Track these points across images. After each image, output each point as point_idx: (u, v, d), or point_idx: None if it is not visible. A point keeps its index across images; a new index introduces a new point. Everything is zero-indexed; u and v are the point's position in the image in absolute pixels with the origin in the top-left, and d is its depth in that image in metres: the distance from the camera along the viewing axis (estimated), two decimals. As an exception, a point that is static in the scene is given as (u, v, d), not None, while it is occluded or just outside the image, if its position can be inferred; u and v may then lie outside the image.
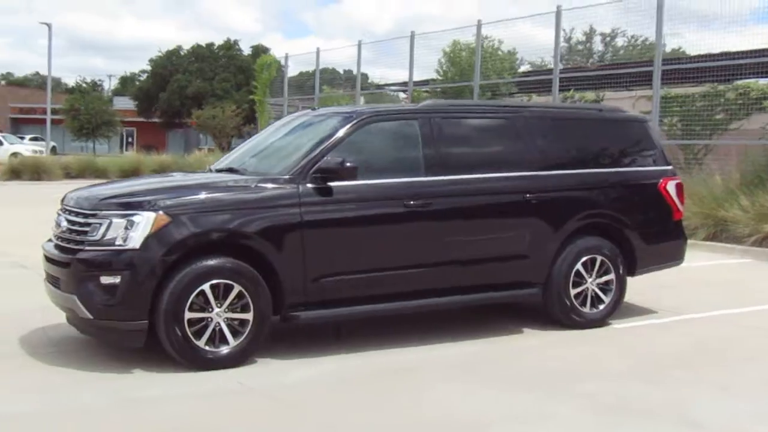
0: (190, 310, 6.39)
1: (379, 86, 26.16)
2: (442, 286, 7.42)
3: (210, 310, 6.46)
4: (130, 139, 68.82)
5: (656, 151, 8.72)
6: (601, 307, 8.11)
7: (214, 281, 6.46)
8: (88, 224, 6.51)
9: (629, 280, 8.60)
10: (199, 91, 58.71)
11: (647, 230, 8.40)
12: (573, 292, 7.93)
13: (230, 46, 65.10)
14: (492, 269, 7.63)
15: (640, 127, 8.75)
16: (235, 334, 6.56)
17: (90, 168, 32.19)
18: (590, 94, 18.65)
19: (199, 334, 6.43)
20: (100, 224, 6.42)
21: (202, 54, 63.63)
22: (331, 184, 6.92)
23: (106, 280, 6.32)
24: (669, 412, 5.61)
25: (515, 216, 7.72)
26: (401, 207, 7.18)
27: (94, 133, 48.46)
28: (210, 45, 65.47)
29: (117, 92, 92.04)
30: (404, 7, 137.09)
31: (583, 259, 7.97)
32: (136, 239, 6.32)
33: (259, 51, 56.04)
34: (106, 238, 6.38)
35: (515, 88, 20.82)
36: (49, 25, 43.14)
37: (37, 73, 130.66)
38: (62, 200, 7.16)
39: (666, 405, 5.78)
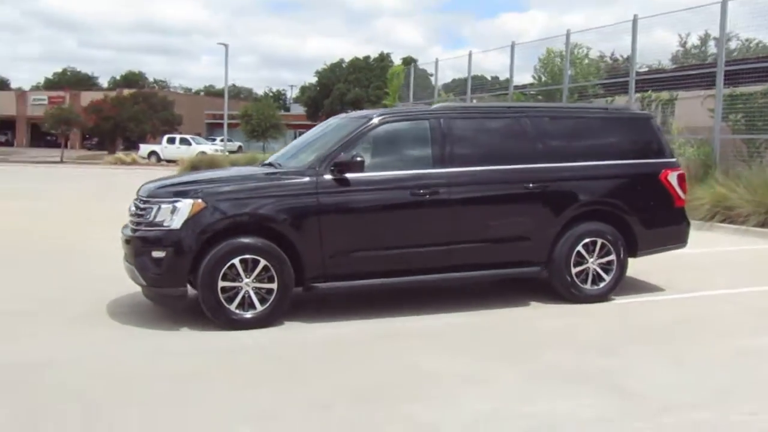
0: (223, 279, 6.70)
1: (489, 90, 25.85)
2: (449, 264, 7.41)
3: (240, 280, 6.74)
4: (301, 139, 70.69)
5: (659, 145, 8.34)
6: (602, 284, 7.87)
7: (243, 256, 6.74)
8: (145, 209, 6.93)
9: (658, 259, 8.65)
10: (356, 98, 59.87)
11: (647, 216, 8.08)
12: (574, 270, 7.75)
13: (383, 58, 65.97)
14: (495, 249, 7.55)
15: (644, 124, 8.40)
16: (263, 301, 6.81)
17: (254, 162, 33.36)
18: (665, 94, 17.82)
19: (231, 300, 6.73)
20: (152, 209, 6.84)
21: (359, 66, 64.89)
22: (347, 175, 7.05)
23: (155, 254, 6.73)
24: (604, 381, 5.40)
25: (516, 203, 7.62)
26: (409, 195, 7.23)
27: (264, 135, 50.41)
28: (366, 58, 66.56)
29: (296, 100, 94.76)
30: (552, 18, 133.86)
31: (585, 241, 7.77)
32: (177, 221, 6.69)
33: (407, 62, 56.27)
34: (156, 220, 6.78)
35: (601, 89, 20.17)
36: (226, 45, 45.03)
37: (234, 85, 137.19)
38: (138, 190, 7.61)
39: (607, 373, 5.58)
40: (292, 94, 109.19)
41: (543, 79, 21.19)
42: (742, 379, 5.43)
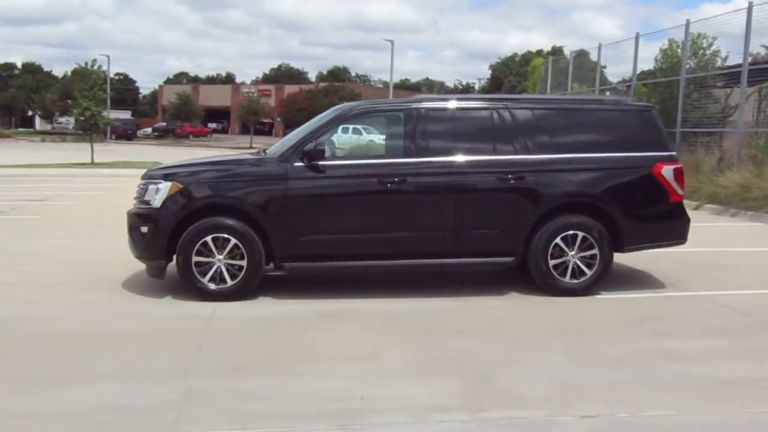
0: (198, 255, 6.98)
1: (618, 83, 24.35)
2: (417, 250, 7.23)
3: (213, 256, 6.99)
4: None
5: (657, 138, 7.60)
6: (583, 278, 7.34)
7: (216, 235, 6.98)
8: (141, 188, 7.36)
9: (700, 257, 8.60)
10: (524, 90, 58.74)
11: (636, 211, 7.43)
12: (552, 262, 7.30)
13: (556, 52, 64.02)
14: (466, 238, 7.24)
15: (641, 116, 7.68)
16: (233, 276, 7.03)
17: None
18: (782, 85, 16.00)
19: (204, 274, 7.00)
20: (142, 189, 7.25)
21: (530, 59, 63.34)
22: (317, 163, 7.07)
23: (143, 229, 7.13)
24: (479, 370, 5.14)
25: (488, 193, 7.26)
26: (376, 183, 7.13)
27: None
28: (539, 51, 64.98)
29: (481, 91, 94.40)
30: (760, 6, 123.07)
31: (564, 234, 7.29)
32: (158, 201, 7.06)
33: (580, 56, 54.14)
34: (145, 198, 7.19)
35: (721, 80, 18.41)
36: (392, 42, 45.72)
37: (427, 79, 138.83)
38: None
39: (492, 363, 5.29)
40: (479, 86, 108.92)
41: (663, 69, 19.69)
42: (618, 382, 4.93)
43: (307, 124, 8.23)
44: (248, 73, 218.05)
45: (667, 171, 7.43)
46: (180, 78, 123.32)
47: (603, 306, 7.02)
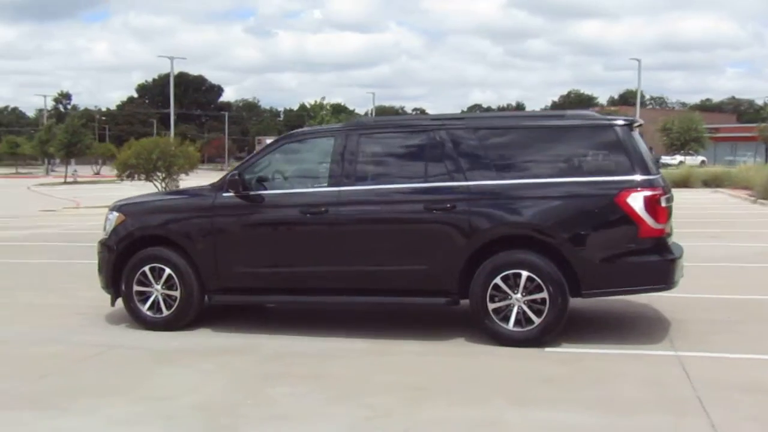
0: (138, 284, 7.19)
1: None
2: (343, 287, 6.75)
3: (152, 286, 7.16)
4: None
5: (627, 158, 6.21)
6: (529, 327, 6.27)
7: (152, 265, 7.15)
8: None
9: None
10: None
11: (594, 248, 6.19)
12: (492, 306, 6.35)
13: None
14: (391, 275, 6.61)
15: (608, 133, 6.33)
16: (169, 306, 7.13)
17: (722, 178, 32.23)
18: None
19: (145, 302, 7.19)
20: (105, 218, 7.66)
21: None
22: (243, 192, 6.93)
23: (101, 256, 7.51)
24: (242, 423, 4.70)
25: (413, 225, 6.57)
26: (298, 213, 6.79)
27: (683, 147, 46.46)
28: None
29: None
30: None
31: (505, 273, 6.30)
32: (108, 231, 7.41)
33: None
34: (105, 227, 7.58)
35: None
36: (638, 60, 42.62)
37: (733, 98, 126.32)
38: None
39: (269, 416, 4.81)
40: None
41: None
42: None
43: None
44: (545, 101, 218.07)
45: (634, 199, 6.08)
46: (473, 110, 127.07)
47: (526, 361, 5.91)
